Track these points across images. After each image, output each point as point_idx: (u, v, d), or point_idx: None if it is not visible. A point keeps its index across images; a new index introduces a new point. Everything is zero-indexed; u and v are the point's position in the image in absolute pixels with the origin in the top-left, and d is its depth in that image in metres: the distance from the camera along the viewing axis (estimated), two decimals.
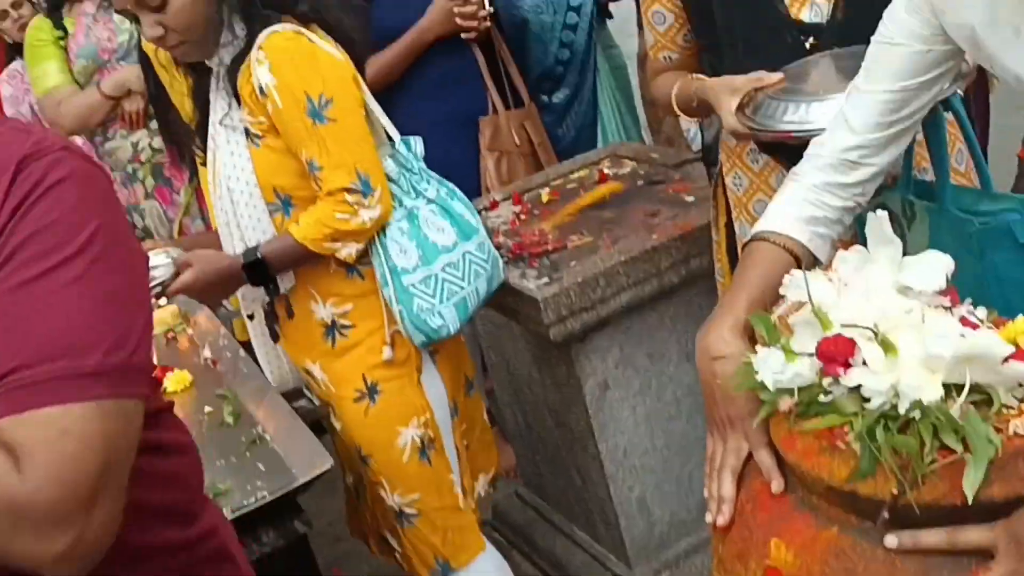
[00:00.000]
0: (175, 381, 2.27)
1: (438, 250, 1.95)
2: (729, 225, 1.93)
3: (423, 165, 2.04)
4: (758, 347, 1.06)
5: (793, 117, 1.47)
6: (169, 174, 3.31)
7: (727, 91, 1.60)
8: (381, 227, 1.91)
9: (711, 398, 1.19)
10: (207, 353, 2.41)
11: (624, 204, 2.42)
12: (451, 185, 2.08)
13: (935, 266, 0.93)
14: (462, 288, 1.98)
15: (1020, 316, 0.95)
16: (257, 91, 1.81)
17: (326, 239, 1.87)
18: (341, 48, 1.92)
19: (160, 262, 1.91)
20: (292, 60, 1.81)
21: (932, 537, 0.92)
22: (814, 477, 0.97)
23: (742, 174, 1.83)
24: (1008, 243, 1.25)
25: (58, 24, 3.25)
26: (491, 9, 2.77)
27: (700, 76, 1.77)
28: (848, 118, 1.29)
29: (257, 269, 1.92)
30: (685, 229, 2.18)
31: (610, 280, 2.11)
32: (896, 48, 1.24)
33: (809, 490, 1.01)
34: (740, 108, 1.57)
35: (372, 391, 2.00)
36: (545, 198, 2.55)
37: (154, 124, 3.21)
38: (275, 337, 2.11)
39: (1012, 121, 2.64)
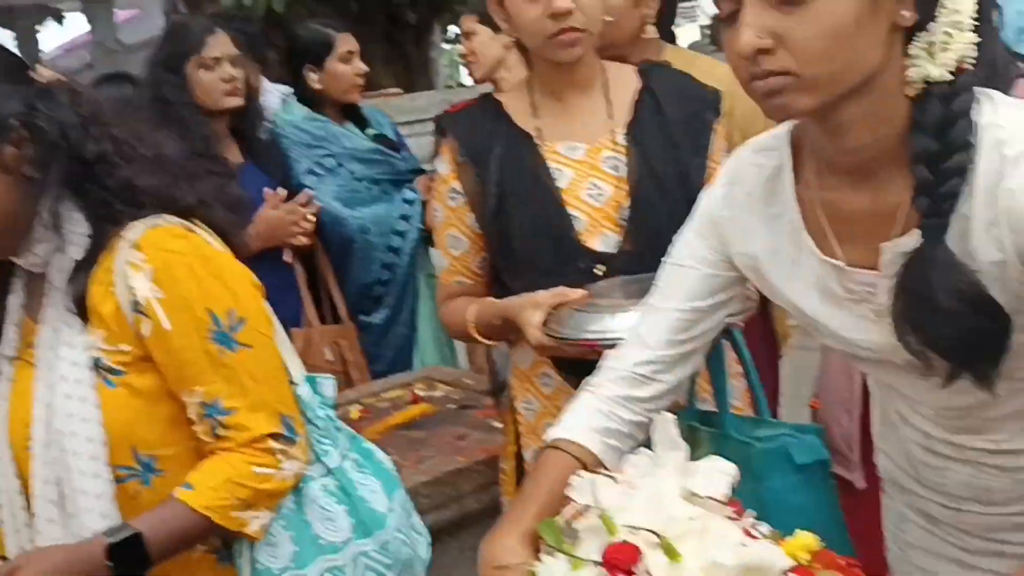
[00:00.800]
0: None
1: (319, 548, 1.43)
2: (519, 455, 1.90)
3: (332, 413, 1.55)
4: (543, 555, 1.01)
5: (597, 327, 1.50)
6: None
7: (530, 307, 1.64)
8: None
9: None
10: None
11: (434, 426, 2.38)
12: (368, 445, 1.62)
13: (720, 473, 0.91)
14: None
15: (798, 531, 0.94)
16: (127, 307, 1.34)
17: (239, 506, 1.35)
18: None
19: None
20: (188, 266, 1.36)
21: None
22: None
23: (533, 399, 1.84)
24: (786, 466, 1.28)
25: None
26: (312, 218, 2.78)
27: (495, 300, 1.80)
28: (642, 333, 1.32)
29: (129, 554, 1.31)
30: (490, 453, 2.14)
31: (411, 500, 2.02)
32: (686, 270, 1.30)
33: None
34: (544, 323, 1.60)
35: None
36: (355, 415, 2.48)
37: None
38: None
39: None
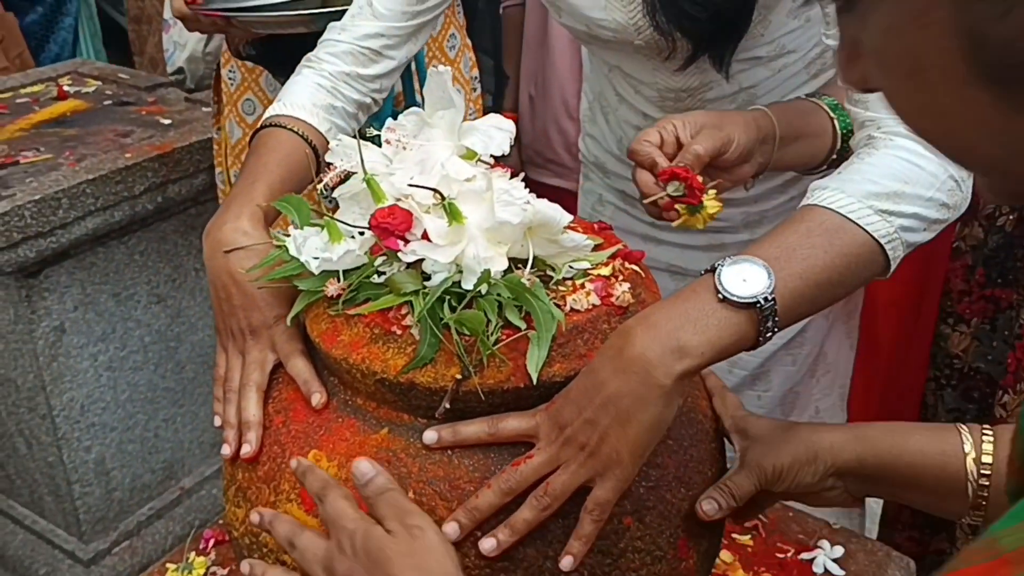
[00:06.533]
0: None
1: None
2: None
3: None
4: (291, 230, 0.91)
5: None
6: None
7: None
8: None
9: (227, 303, 1.00)
10: None
11: (89, 123, 2.11)
12: None
13: (499, 130, 0.85)
14: None
15: None
16: None
17: None
18: None
19: None
20: None
21: (472, 428, 0.83)
22: (364, 371, 0.84)
23: (236, 67, 1.68)
24: None
25: None
26: None
27: None
28: (374, 3, 1.21)
29: None
30: (163, 150, 1.95)
31: (74, 201, 1.81)
32: None
33: (355, 391, 0.88)
34: None
35: None
36: None
37: None
38: None
39: None
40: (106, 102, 2.22)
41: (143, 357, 2.15)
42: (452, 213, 0.81)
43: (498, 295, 0.82)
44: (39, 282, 1.88)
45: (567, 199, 1.52)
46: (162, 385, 2.20)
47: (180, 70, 2.09)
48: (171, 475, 2.30)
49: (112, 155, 1.93)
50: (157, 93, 2.27)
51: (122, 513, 2.23)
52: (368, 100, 1.24)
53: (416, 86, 1.62)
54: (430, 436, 0.84)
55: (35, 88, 2.28)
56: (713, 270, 0.82)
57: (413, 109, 0.88)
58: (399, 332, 0.83)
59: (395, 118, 0.91)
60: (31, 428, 2.08)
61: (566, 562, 0.81)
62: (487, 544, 0.81)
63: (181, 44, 2.22)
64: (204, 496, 2.35)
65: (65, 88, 2.26)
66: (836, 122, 1.14)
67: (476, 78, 1.90)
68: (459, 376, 0.81)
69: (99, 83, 2.33)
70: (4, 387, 2.07)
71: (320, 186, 0.86)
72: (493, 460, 0.83)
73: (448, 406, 0.82)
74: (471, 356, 0.80)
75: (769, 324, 0.82)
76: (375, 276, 0.85)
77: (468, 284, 0.80)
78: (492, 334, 0.80)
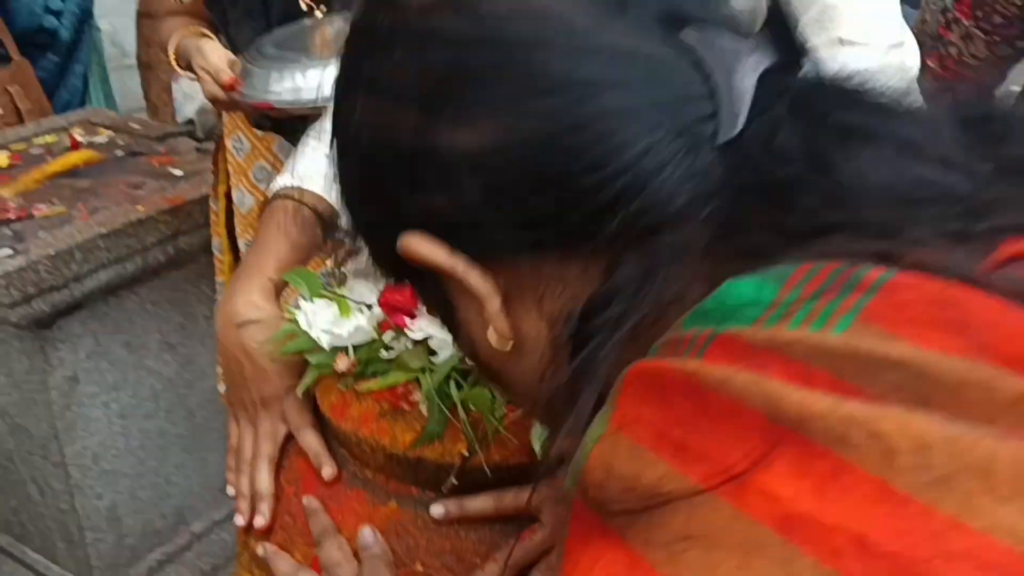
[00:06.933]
0: None
1: None
2: (228, 195, 1.77)
3: None
4: (301, 302, 0.94)
5: (283, 85, 1.37)
6: None
7: (209, 51, 1.49)
8: None
9: (239, 376, 1.02)
10: None
11: (102, 175, 2.14)
12: None
13: None
14: None
15: None
16: None
17: None
18: None
19: None
20: None
21: (478, 503, 0.85)
22: (373, 445, 0.86)
23: (244, 137, 1.70)
24: None
25: None
26: None
27: (204, 31, 1.62)
28: None
29: None
30: (175, 202, 1.97)
31: (88, 255, 1.83)
32: None
33: (364, 463, 0.90)
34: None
35: None
36: (4, 162, 2.17)
37: None
38: None
39: None
40: (118, 152, 2.25)
41: (154, 404, 2.17)
42: None
43: None
44: (52, 333, 1.91)
45: None
46: (173, 432, 2.22)
47: (190, 121, 2.13)
48: (181, 520, 2.32)
49: (124, 208, 1.95)
50: (168, 143, 2.29)
51: (133, 559, 2.24)
52: None
53: None
54: (437, 510, 0.86)
55: (48, 138, 2.31)
56: None
57: None
58: (407, 408, 0.85)
59: None
60: (44, 476, 2.10)
61: None
62: None
63: (190, 96, 2.26)
64: (214, 540, 2.36)
65: (77, 138, 2.30)
66: None
67: None
68: (466, 453, 0.83)
69: (111, 132, 2.36)
70: (18, 435, 2.09)
71: (328, 265, 0.89)
72: (499, 534, 0.85)
73: (455, 481, 0.84)
74: (477, 432, 0.82)
75: None
76: (383, 351, 0.87)
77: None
78: (497, 411, 0.82)
